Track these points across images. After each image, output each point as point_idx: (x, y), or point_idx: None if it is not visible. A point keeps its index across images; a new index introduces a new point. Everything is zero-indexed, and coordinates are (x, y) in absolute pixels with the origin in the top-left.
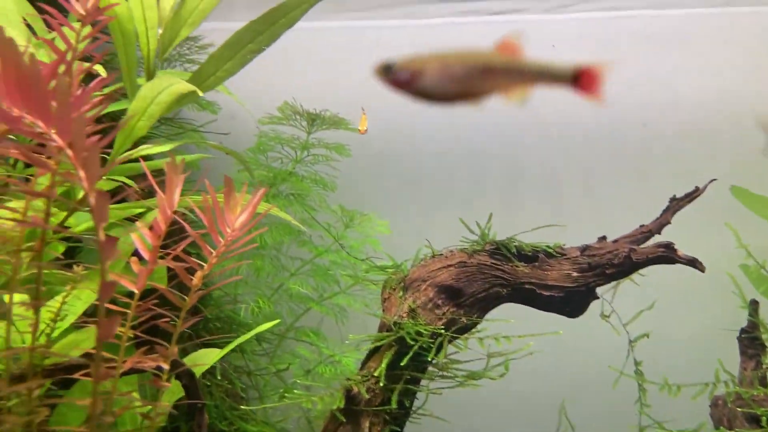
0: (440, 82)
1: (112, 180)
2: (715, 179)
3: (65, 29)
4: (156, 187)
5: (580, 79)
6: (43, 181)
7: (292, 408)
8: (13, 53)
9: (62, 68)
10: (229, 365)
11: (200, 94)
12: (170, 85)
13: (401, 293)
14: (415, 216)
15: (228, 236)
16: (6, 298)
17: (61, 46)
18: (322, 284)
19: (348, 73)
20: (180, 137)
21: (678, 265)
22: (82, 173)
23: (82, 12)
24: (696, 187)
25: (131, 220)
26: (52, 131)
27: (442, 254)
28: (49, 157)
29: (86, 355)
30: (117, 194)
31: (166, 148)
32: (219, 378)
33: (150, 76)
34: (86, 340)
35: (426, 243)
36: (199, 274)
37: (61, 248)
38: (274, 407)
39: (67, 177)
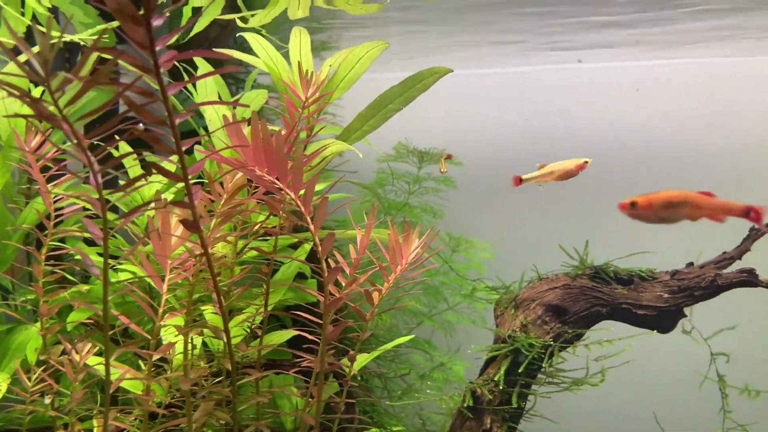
0: None
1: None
2: None
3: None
4: (309, 222)
5: None
6: (255, 218)
7: (406, 407)
8: (261, 129)
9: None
10: (363, 369)
11: (351, 149)
12: (333, 143)
13: (513, 311)
14: (507, 238)
15: (401, 268)
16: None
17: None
18: (432, 301)
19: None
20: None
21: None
22: (308, 218)
23: (303, 97)
24: None
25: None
26: (288, 187)
27: (548, 277)
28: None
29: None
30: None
31: (321, 187)
32: (359, 378)
33: (309, 131)
34: (274, 341)
35: (532, 267)
36: (376, 295)
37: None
38: (405, 404)
39: (294, 218)
